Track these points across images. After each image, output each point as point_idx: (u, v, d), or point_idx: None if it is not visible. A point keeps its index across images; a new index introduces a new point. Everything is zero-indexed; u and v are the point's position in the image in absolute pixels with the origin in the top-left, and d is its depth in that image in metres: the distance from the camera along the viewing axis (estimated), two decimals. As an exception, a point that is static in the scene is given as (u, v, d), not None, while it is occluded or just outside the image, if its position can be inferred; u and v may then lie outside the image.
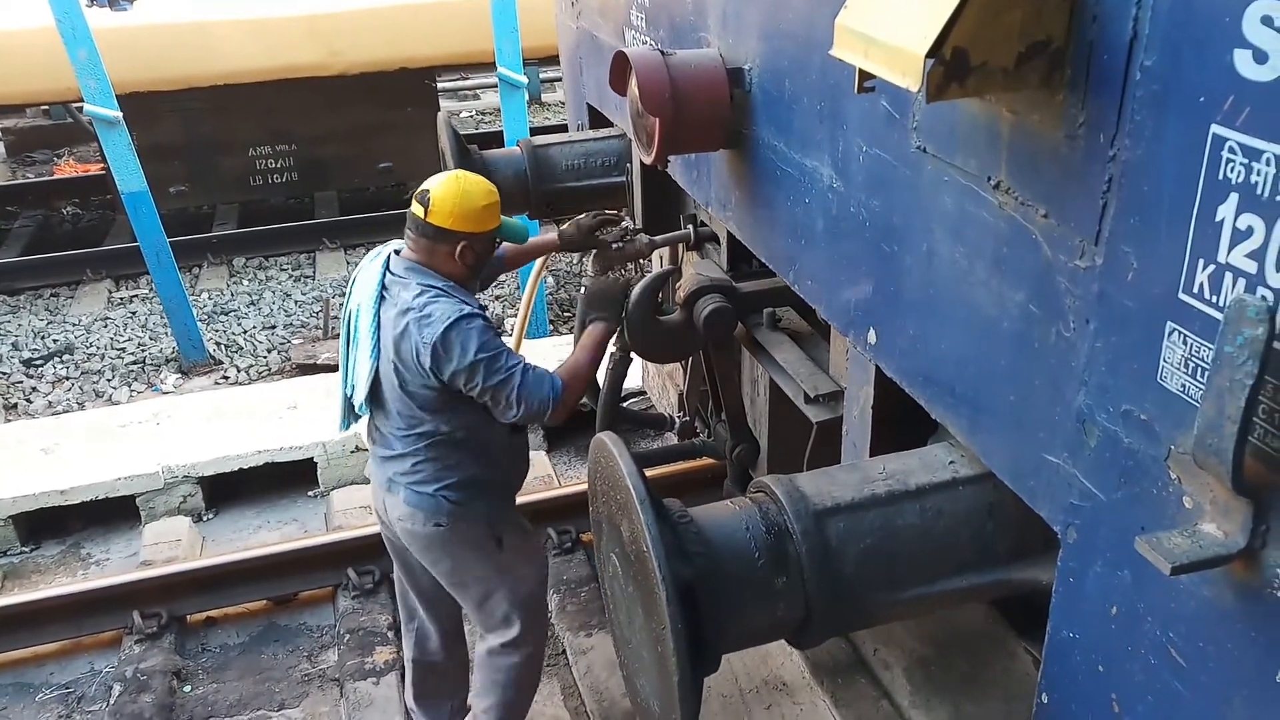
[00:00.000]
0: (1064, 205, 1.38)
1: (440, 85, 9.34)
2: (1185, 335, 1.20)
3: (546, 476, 4.86)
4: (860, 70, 1.48)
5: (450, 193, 2.64)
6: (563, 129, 9.93)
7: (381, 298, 2.69)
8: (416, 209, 2.66)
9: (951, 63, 1.28)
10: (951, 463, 1.79)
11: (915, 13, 1.31)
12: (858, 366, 2.12)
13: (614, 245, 3.20)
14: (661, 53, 2.39)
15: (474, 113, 12.66)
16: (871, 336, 1.96)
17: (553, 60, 8.29)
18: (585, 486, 4.41)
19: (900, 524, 1.70)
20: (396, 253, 2.75)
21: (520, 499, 4.40)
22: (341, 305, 2.92)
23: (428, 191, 2.65)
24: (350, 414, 2.93)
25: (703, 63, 2.42)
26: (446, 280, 2.67)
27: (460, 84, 13.39)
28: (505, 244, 3.08)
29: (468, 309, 2.61)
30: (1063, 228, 1.39)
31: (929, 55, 1.27)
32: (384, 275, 2.71)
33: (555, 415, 2.75)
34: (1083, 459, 1.42)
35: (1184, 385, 1.22)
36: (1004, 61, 1.31)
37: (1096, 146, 1.30)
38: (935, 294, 1.73)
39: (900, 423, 2.11)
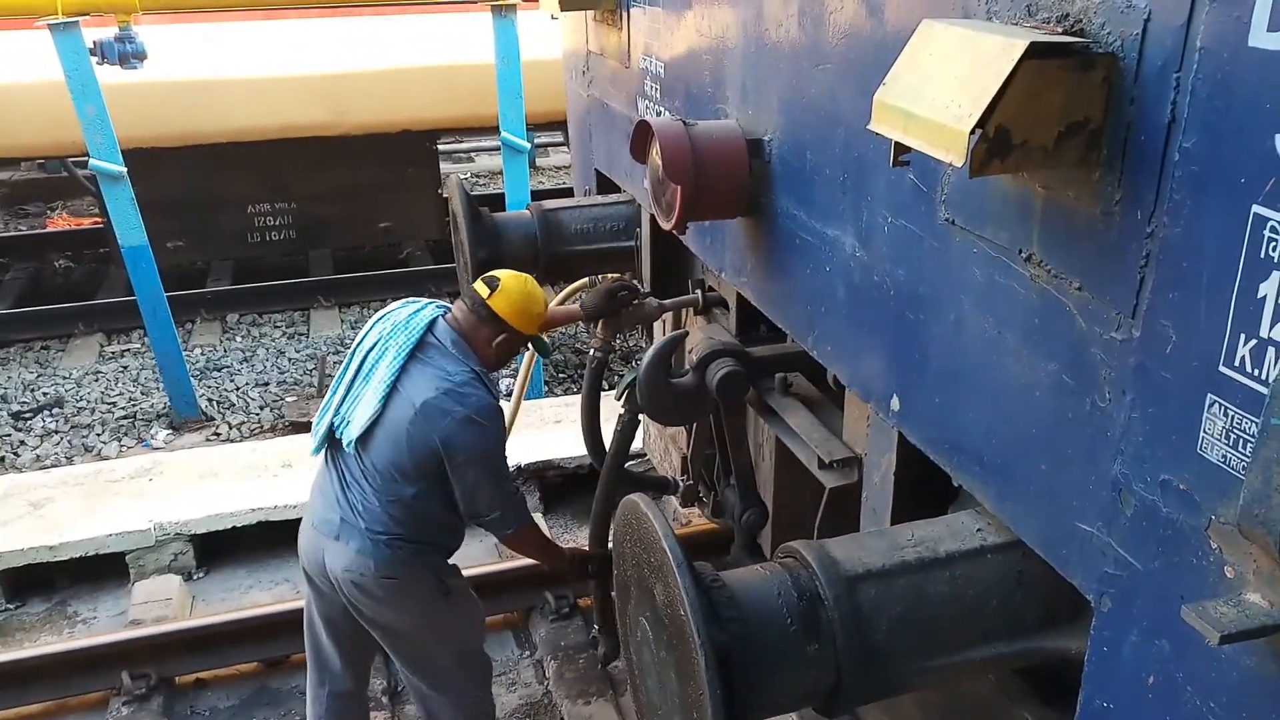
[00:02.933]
0: (1100, 279, 1.41)
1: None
2: (1226, 407, 1.23)
3: (543, 539, 4.83)
4: (896, 145, 1.53)
5: (518, 288, 2.89)
6: (558, 193, 10.07)
7: (413, 354, 2.78)
8: (481, 289, 2.87)
9: (994, 140, 1.32)
10: (979, 530, 1.80)
11: (957, 91, 1.36)
12: (879, 433, 2.13)
13: (623, 310, 3.25)
14: (684, 122, 2.44)
15: (468, 175, 12.80)
16: (895, 404, 1.98)
17: (549, 126, 8.44)
18: (582, 549, 4.41)
19: (931, 591, 1.70)
20: (443, 316, 2.88)
21: (515, 563, 4.42)
22: (352, 352, 2.96)
23: (498, 279, 2.88)
24: (328, 442, 2.94)
25: (723, 133, 2.47)
26: (482, 366, 2.87)
27: (456, 147, 13.55)
28: None
29: (494, 405, 2.83)
30: (1098, 301, 1.42)
31: (972, 132, 1.31)
32: (424, 334, 2.81)
33: (505, 538, 3.06)
34: (1118, 528, 1.44)
35: (1225, 456, 1.24)
36: (1044, 140, 1.35)
37: (1134, 223, 1.33)
38: (963, 363, 1.76)
39: (921, 490, 2.13)
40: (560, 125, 8.38)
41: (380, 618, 2.88)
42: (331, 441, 2.92)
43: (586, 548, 3.41)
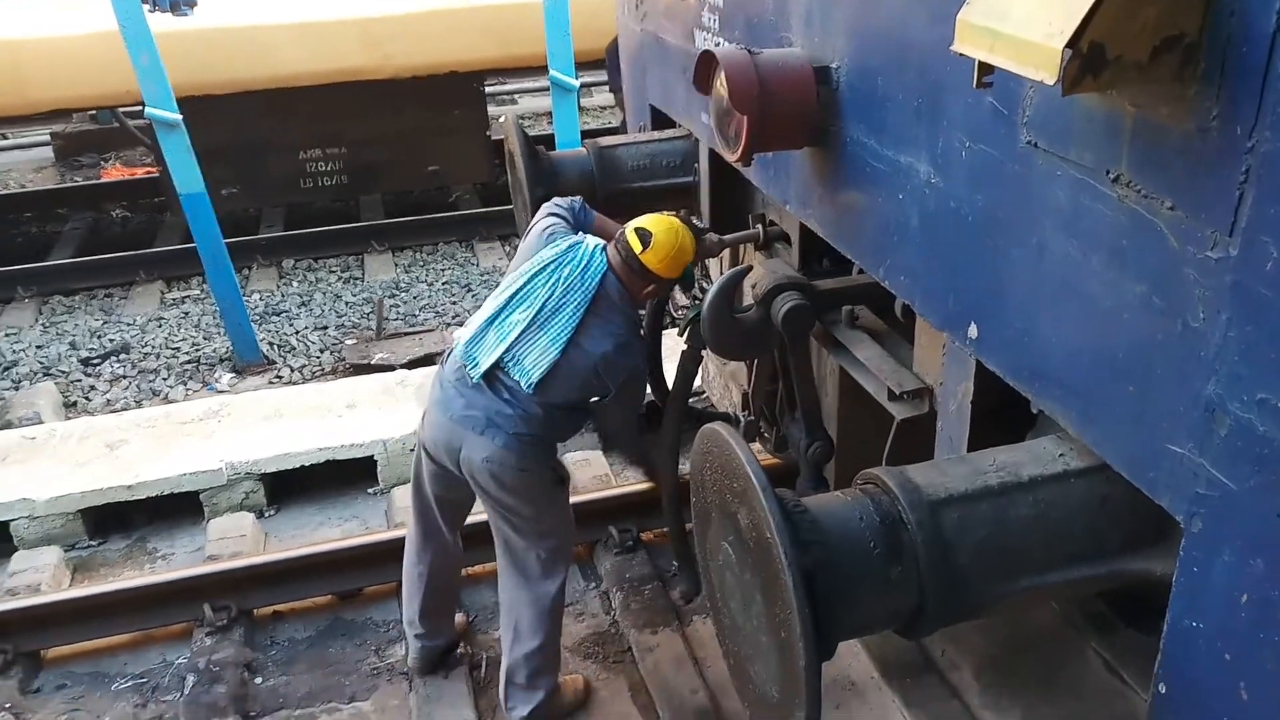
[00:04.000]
0: (1194, 197, 1.39)
1: (482, 89, 9.40)
2: (1329, 324, 1.22)
3: (604, 475, 4.90)
4: (979, 65, 1.51)
5: (669, 242, 2.98)
6: (604, 132, 9.99)
7: (589, 307, 2.99)
8: (635, 243, 2.97)
9: (1087, 57, 1.30)
10: (1061, 455, 1.80)
11: (1048, 7, 1.33)
12: (955, 362, 2.13)
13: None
14: (749, 51, 2.42)
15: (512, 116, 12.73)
16: (973, 331, 1.98)
17: (592, 65, 8.36)
18: (641, 487, 4.46)
19: (1013, 515, 1.71)
20: (609, 266, 3.04)
21: (579, 498, 4.51)
22: (518, 278, 3.07)
23: (651, 234, 2.96)
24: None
25: (789, 61, 2.44)
26: (636, 309, 3.14)
27: (500, 88, 13.47)
28: None
29: (644, 354, 3.20)
30: (1191, 220, 1.40)
31: (1064, 49, 1.29)
32: (599, 288, 3.00)
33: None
34: (1211, 448, 1.43)
35: (1327, 373, 1.23)
36: (1138, 55, 1.33)
37: (1232, 138, 1.31)
38: (1045, 287, 1.75)
39: (997, 418, 2.13)
40: (598, 64, 8.34)
41: (505, 501, 3.18)
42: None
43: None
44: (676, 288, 3.42)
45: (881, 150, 2.24)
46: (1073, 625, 2.49)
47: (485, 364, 3.05)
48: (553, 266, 3.02)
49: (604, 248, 3.07)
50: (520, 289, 3.04)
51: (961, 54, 1.50)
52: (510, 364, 3.03)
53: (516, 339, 3.01)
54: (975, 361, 2.02)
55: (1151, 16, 1.32)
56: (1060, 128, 1.64)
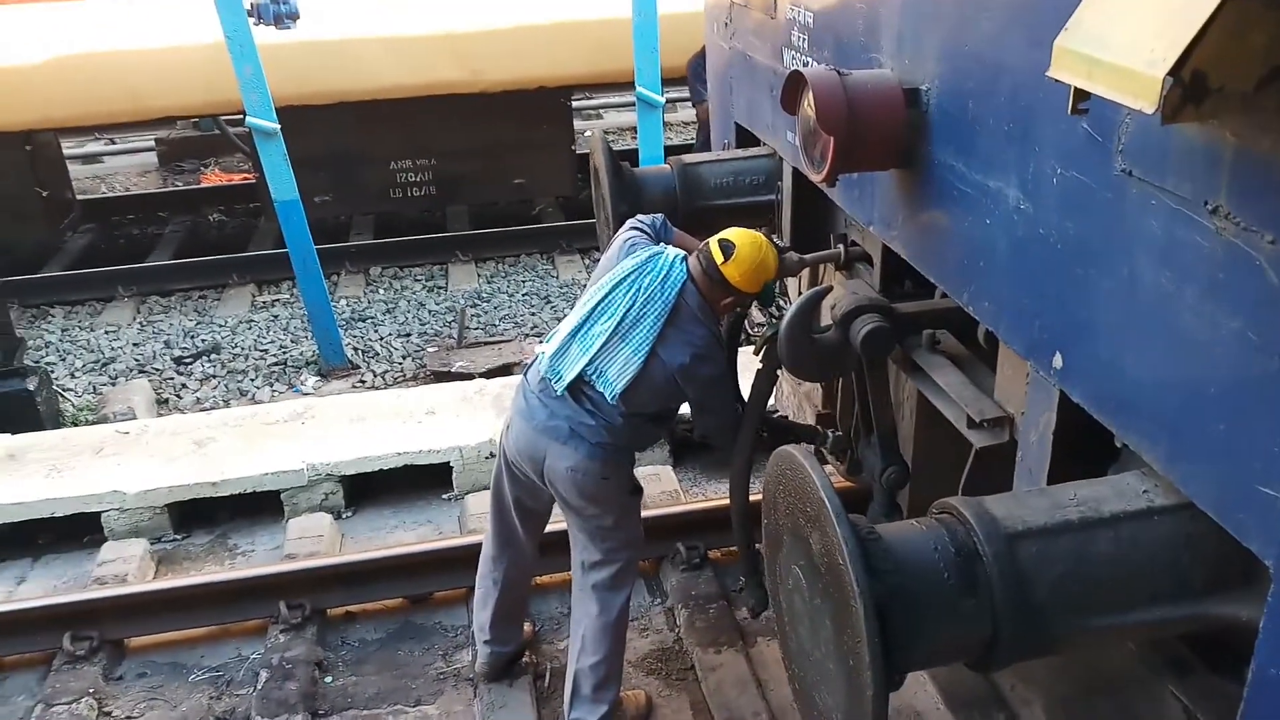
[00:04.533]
0: (1298, 231, 1.34)
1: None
2: None
3: (673, 492, 4.90)
4: (1075, 92, 1.49)
5: (752, 256, 2.99)
6: (687, 148, 10.00)
7: (668, 318, 2.99)
8: (717, 253, 2.98)
9: (1190, 85, 1.27)
10: (1145, 491, 1.75)
11: (1148, 35, 1.30)
12: (1039, 391, 2.09)
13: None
14: (838, 72, 2.41)
15: (598, 131, 12.85)
16: (1058, 361, 1.94)
17: (677, 82, 8.41)
18: (710, 504, 4.44)
19: (1093, 551, 1.67)
20: (689, 277, 3.04)
21: (647, 513, 4.51)
22: (598, 292, 3.09)
23: (733, 246, 2.97)
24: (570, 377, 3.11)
25: (878, 83, 2.43)
26: (718, 322, 3.13)
27: (586, 103, 13.62)
28: None
29: (725, 362, 3.18)
30: (1293, 254, 1.36)
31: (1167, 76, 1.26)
32: (679, 299, 3.00)
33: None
34: (1306, 493, 1.38)
35: None
36: (1244, 85, 1.29)
37: (1339, 172, 1.27)
38: (1135, 319, 1.70)
39: (1078, 451, 2.07)
40: (682, 81, 8.37)
41: (587, 510, 3.24)
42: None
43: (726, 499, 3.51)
44: (755, 305, 3.41)
45: (970, 174, 2.21)
46: (1150, 667, 2.40)
47: (569, 376, 3.08)
48: (633, 277, 3.04)
49: (684, 258, 3.08)
50: (601, 300, 3.06)
51: (1058, 80, 1.47)
52: (594, 376, 3.06)
53: (599, 350, 3.03)
54: (1059, 391, 1.97)
55: (1260, 44, 1.28)
56: (1157, 157, 1.60)
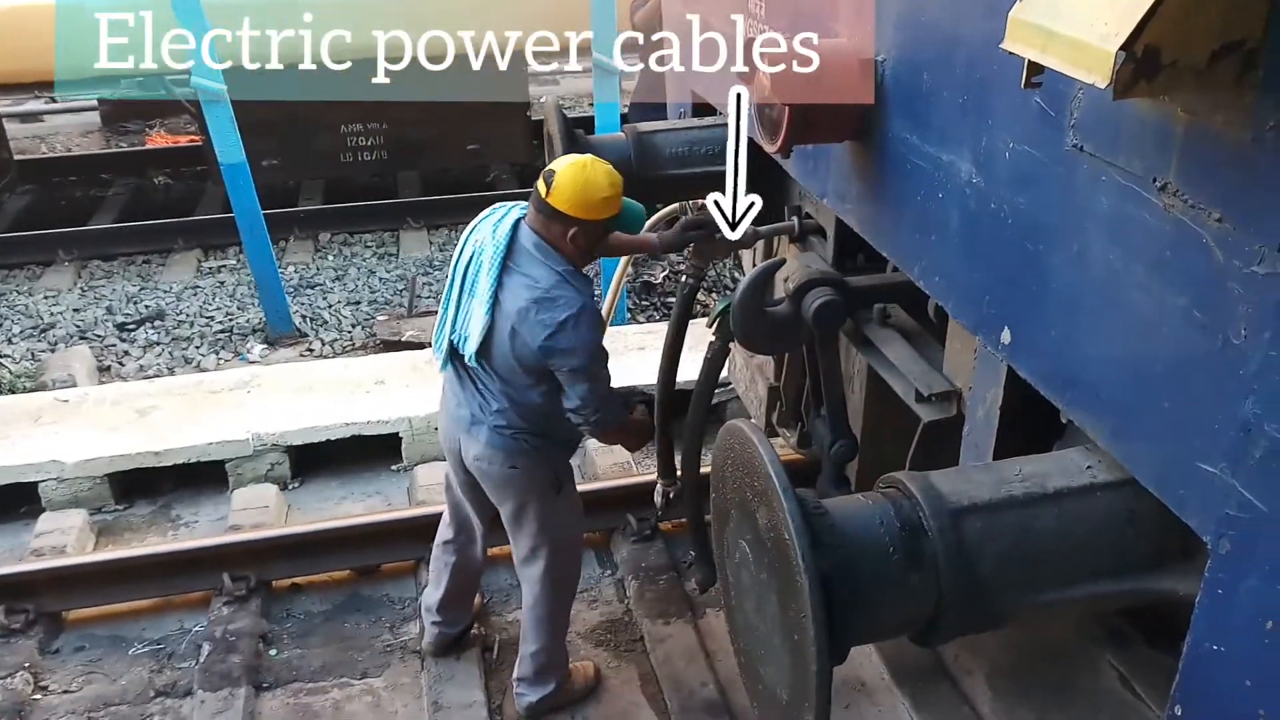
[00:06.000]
0: (1245, 210, 1.35)
1: (525, 71, 9.38)
2: (1379, 347, 1.17)
3: (625, 464, 4.88)
4: (1029, 65, 1.47)
5: (573, 179, 2.79)
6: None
7: (505, 263, 2.84)
8: (540, 186, 2.81)
9: (1143, 60, 1.26)
10: (1089, 467, 1.76)
11: (1102, 8, 1.29)
12: (986, 367, 2.09)
13: (716, 236, 3.20)
14: (796, 41, 2.38)
15: (553, 98, 12.72)
16: (1006, 336, 1.94)
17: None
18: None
19: (1038, 527, 1.68)
20: (524, 220, 2.89)
21: (598, 485, 4.50)
22: (453, 267, 3.01)
23: (553, 172, 2.80)
24: (452, 357, 3.05)
25: (835, 53, 2.40)
26: (569, 263, 2.84)
27: (542, 69, 13.44)
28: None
29: (585, 303, 2.85)
30: (1239, 233, 1.36)
31: (1118, 51, 1.25)
32: (511, 239, 2.85)
33: (601, 435, 3.20)
34: (1244, 469, 1.39)
35: (1373, 398, 1.19)
36: (1196, 60, 1.28)
37: (1289, 150, 1.26)
38: (1083, 295, 1.71)
39: (1024, 426, 2.08)
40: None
41: (499, 498, 3.19)
42: (454, 352, 3.04)
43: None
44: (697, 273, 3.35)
45: (923, 147, 2.20)
46: (1089, 637, 2.45)
47: (443, 349, 3.02)
48: (472, 233, 2.97)
49: (524, 207, 2.96)
50: (454, 266, 3.00)
51: (1012, 53, 1.46)
52: (461, 345, 2.96)
53: (456, 314, 2.96)
54: (1007, 367, 1.98)
55: (1212, 20, 1.27)
56: (1108, 132, 1.60)
